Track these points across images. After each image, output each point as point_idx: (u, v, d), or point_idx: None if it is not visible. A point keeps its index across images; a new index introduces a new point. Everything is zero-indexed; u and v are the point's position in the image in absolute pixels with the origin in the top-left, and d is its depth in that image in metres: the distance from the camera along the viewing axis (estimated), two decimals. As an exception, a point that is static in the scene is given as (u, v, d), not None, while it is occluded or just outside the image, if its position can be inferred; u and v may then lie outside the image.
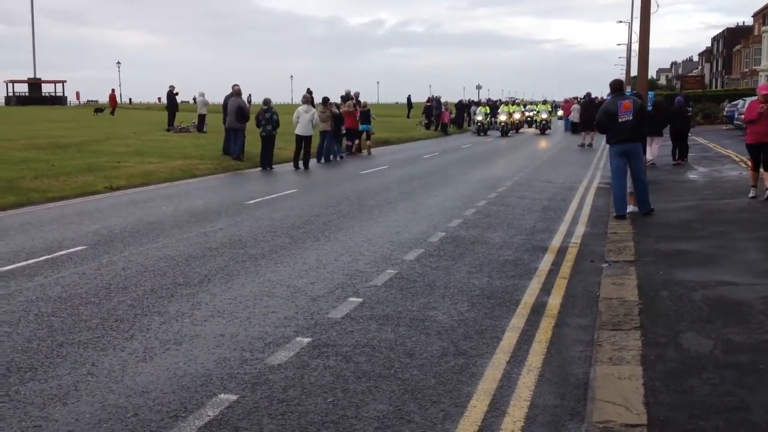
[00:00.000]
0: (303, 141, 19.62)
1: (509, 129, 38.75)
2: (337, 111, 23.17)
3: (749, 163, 13.07)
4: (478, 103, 48.18)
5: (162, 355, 5.14)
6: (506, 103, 43.82)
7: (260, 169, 19.04)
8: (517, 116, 41.81)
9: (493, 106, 45.42)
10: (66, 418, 4.14)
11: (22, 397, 4.43)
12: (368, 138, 25.35)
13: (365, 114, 25.22)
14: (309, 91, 38.66)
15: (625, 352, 4.99)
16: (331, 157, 22.10)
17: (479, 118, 39.10)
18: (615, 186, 10.95)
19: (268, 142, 19.21)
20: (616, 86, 11.16)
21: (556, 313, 6.20)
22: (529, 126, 46.56)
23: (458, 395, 4.48)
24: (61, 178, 15.34)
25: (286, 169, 19.54)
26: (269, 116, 19.27)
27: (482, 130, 38.90)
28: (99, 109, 49.19)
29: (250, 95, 51.75)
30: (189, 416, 4.16)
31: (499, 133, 37.95)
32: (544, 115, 40.91)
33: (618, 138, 10.68)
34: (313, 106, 20.69)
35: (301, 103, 20.92)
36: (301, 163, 19.63)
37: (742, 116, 14.08)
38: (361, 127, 24.93)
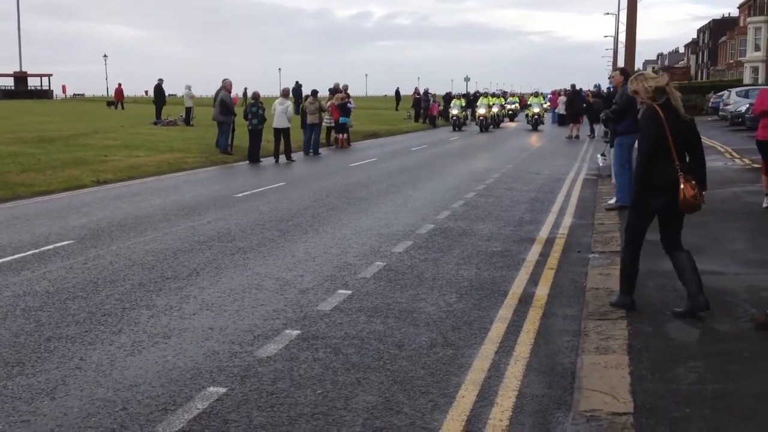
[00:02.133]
0: (280, 134, 19.45)
1: (489, 123, 35.49)
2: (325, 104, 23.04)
3: (761, 165, 10.86)
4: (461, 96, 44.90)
5: (150, 349, 5.13)
6: (486, 95, 39.26)
7: (248, 162, 18.99)
8: (496, 110, 38.21)
9: (470, 99, 42.00)
10: (54, 413, 4.13)
11: (9, 391, 4.42)
12: (343, 132, 24.33)
13: (342, 106, 24.46)
14: (297, 84, 38.63)
15: (611, 342, 5.04)
16: (320, 150, 21.99)
17: (454, 111, 35.83)
18: (627, 177, 10.38)
19: (254, 136, 19.18)
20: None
21: (544, 304, 6.24)
22: (511, 120, 43.66)
23: (447, 386, 4.51)
24: (47, 172, 15.25)
25: (274, 162, 19.49)
26: (255, 110, 19.21)
27: (458, 124, 35.55)
28: (111, 102, 49.36)
29: (245, 89, 51.73)
30: (178, 409, 4.16)
31: (478, 129, 34.68)
32: (536, 109, 36.27)
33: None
34: (304, 100, 20.57)
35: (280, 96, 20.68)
36: (283, 157, 19.52)
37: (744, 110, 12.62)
38: (340, 120, 24.48)
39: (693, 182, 5.33)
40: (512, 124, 41.43)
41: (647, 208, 5.54)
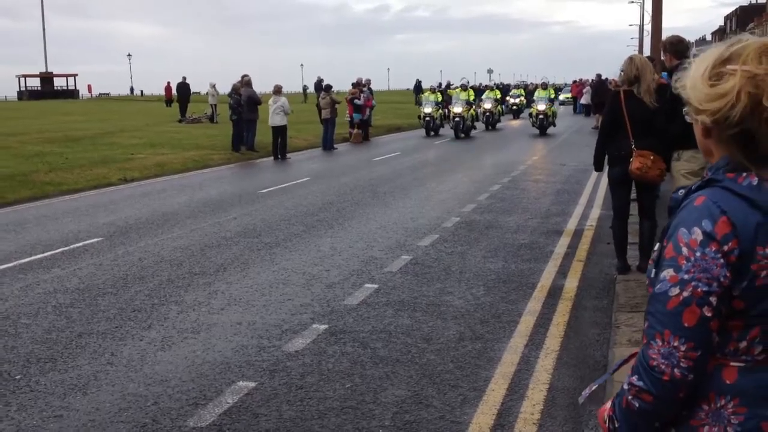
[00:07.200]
0: (276, 131, 19.04)
1: (470, 126, 25.89)
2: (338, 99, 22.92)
3: None
4: (493, 88, 36.69)
5: (180, 344, 5.16)
6: (464, 88, 27.18)
7: (273, 158, 18.94)
8: (487, 105, 29.32)
9: (445, 92, 30.63)
10: (86, 408, 4.17)
11: (42, 387, 4.47)
12: (359, 128, 23.98)
13: (353, 102, 23.96)
14: (319, 79, 38.71)
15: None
16: (340, 146, 21.90)
17: (427, 110, 26.26)
18: None
19: (246, 127, 19.48)
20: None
21: (573, 296, 6.17)
22: (515, 117, 37.02)
23: (476, 379, 4.47)
24: (75, 170, 15.42)
25: (298, 157, 19.54)
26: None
27: (432, 127, 26.23)
28: (168, 100, 50.67)
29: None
30: (209, 404, 4.18)
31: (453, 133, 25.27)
32: (542, 107, 26.14)
33: None
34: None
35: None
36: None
37: None
38: (353, 116, 24.05)
39: (651, 158, 6.09)
40: (515, 122, 34.55)
41: (612, 177, 6.60)
